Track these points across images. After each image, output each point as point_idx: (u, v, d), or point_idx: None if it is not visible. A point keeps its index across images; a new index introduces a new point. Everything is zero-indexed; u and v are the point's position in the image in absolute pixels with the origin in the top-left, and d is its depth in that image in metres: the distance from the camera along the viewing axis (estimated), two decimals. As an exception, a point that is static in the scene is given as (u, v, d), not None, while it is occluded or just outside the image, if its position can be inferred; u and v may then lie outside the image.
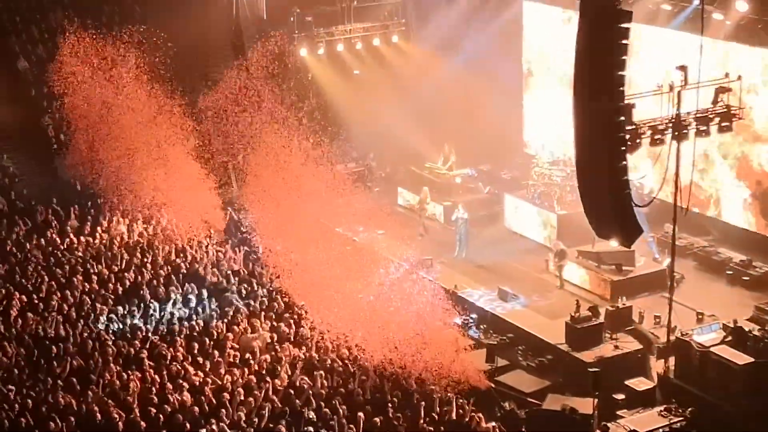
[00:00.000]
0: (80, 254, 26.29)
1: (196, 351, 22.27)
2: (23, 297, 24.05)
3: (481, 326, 26.28)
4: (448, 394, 21.22)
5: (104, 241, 26.98)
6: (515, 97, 34.74)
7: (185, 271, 25.83)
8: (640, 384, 23.31)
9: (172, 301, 24.39)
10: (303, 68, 36.14)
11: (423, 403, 20.77)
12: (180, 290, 24.81)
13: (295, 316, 23.81)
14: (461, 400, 21.15)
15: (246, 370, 21.65)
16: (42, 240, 26.84)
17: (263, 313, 23.88)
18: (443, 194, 32.96)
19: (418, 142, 33.79)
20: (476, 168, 33.74)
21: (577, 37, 21.52)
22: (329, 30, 35.73)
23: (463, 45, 34.45)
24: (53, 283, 24.80)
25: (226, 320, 23.55)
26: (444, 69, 34.25)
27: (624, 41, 20.69)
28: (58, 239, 26.95)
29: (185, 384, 20.81)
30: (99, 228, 27.68)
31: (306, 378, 21.40)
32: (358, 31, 36.09)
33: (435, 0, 35.32)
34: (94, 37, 29.00)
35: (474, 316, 26.47)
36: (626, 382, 23.29)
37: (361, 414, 20.05)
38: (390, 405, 20.60)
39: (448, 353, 22.07)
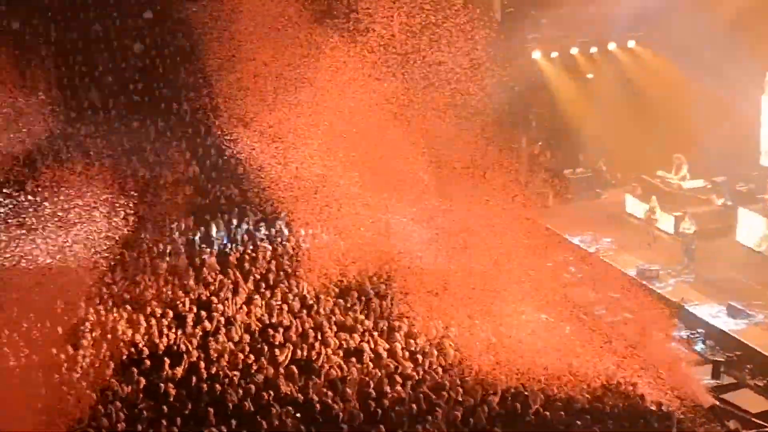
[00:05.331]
0: (307, 246, 26.68)
1: (414, 348, 22.35)
2: (250, 285, 24.65)
3: (708, 342, 25.51)
4: (670, 409, 20.65)
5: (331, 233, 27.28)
6: (755, 106, 33.49)
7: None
8: None
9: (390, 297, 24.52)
10: (535, 71, 35.80)
11: (643, 417, 20.29)
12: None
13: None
14: (683, 416, 20.56)
15: (465, 370, 21.56)
16: (271, 230, 27.39)
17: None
18: (673, 204, 32.13)
19: (651, 149, 33.07)
20: (711, 180, 32.75)
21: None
22: (564, 33, 35.27)
23: (700, 52, 33.47)
24: (280, 273, 25.31)
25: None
26: (681, 76, 33.36)
27: None
28: (285, 230, 27.44)
29: (401, 380, 20.87)
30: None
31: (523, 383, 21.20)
32: (593, 35, 35.49)
33: (674, 5, 34.42)
34: None
35: (701, 330, 25.73)
36: None
37: (578, 422, 19.71)
38: (610, 417, 20.19)
39: (671, 367, 21.52)
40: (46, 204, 26.01)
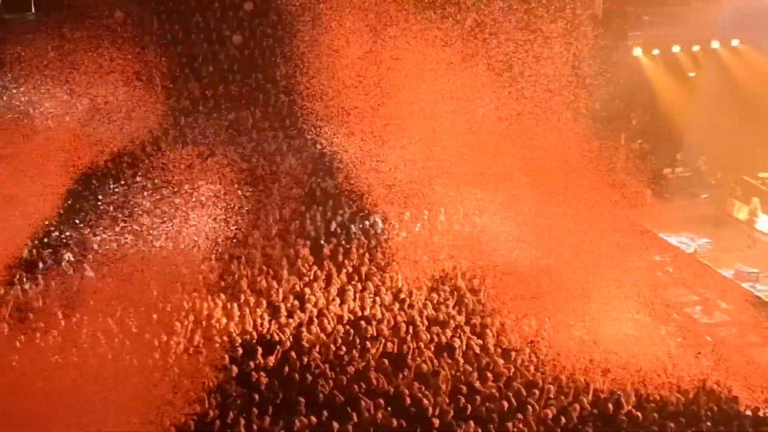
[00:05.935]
0: (401, 239, 26.66)
1: (506, 345, 22.20)
2: (343, 277, 24.69)
3: (808, 347, 24.98)
4: (766, 414, 20.28)
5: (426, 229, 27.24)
6: None
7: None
8: None
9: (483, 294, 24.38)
10: (636, 68, 35.38)
11: (738, 421, 19.94)
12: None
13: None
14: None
15: (557, 369, 21.37)
16: (365, 223, 27.43)
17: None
18: (776, 207, 31.56)
19: (753, 150, 32.48)
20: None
21: None
22: (666, 31, 34.79)
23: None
24: (373, 266, 25.33)
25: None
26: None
27: None
28: (380, 223, 27.46)
29: (493, 376, 20.74)
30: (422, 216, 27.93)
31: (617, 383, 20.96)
32: (696, 33, 34.96)
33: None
34: None
35: (800, 335, 25.20)
36: None
37: (671, 424, 19.43)
38: (703, 419, 19.88)
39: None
40: (146, 194, 26.39)
